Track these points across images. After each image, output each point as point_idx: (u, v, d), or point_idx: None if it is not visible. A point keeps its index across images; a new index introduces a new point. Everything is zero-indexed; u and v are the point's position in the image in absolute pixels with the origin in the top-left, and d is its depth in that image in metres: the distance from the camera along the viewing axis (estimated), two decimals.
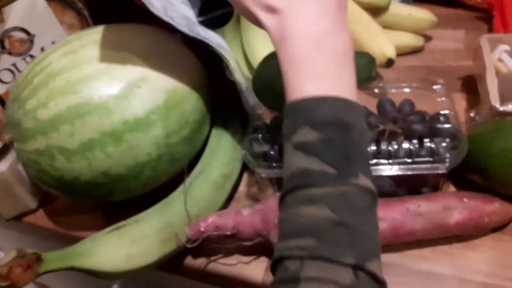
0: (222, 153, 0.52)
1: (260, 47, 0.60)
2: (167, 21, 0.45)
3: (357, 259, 0.28)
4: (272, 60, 0.46)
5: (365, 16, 0.61)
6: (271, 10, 0.34)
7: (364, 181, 0.31)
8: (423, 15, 0.66)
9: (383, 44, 0.57)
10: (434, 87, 0.51)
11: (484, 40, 0.55)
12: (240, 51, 0.63)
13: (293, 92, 0.33)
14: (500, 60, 0.55)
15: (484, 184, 0.45)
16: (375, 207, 0.31)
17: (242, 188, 0.54)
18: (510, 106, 0.46)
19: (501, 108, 0.45)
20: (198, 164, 0.51)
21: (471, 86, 0.58)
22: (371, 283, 0.28)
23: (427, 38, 0.69)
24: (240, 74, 0.50)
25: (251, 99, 0.50)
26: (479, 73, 0.54)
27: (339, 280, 0.28)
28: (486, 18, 0.71)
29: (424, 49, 0.68)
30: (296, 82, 0.33)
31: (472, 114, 0.48)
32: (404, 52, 0.66)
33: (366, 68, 0.48)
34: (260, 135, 0.49)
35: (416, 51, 0.68)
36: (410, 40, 0.66)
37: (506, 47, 0.55)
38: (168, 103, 0.47)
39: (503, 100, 0.48)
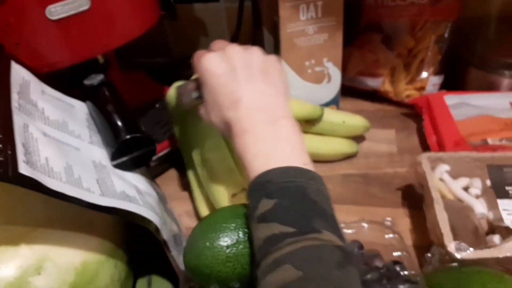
0: None
1: None
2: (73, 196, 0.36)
3: None
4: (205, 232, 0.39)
5: None
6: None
7: (328, 236, 0.31)
8: (356, 121, 0.63)
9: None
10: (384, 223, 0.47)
11: (425, 160, 0.52)
12: None
13: (252, 173, 0.36)
14: (441, 180, 0.52)
15: None
16: (348, 266, 0.30)
17: None
18: (467, 252, 0.42)
19: (458, 256, 0.42)
20: None
21: (414, 200, 0.55)
22: None
23: (360, 139, 0.66)
24: (170, 234, 0.42)
25: (180, 263, 0.42)
26: (425, 197, 0.51)
27: None
28: (413, 116, 0.71)
29: (358, 152, 0.65)
30: (255, 164, 0.36)
31: (428, 255, 0.44)
32: (338, 159, 0.63)
33: None
34: None
35: (350, 156, 0.65)
36: (345, 148, 0.63)
37: (446, 167, 0.53)
38: (77, 284, 0.37)
39: (454, 233, 0.45)
